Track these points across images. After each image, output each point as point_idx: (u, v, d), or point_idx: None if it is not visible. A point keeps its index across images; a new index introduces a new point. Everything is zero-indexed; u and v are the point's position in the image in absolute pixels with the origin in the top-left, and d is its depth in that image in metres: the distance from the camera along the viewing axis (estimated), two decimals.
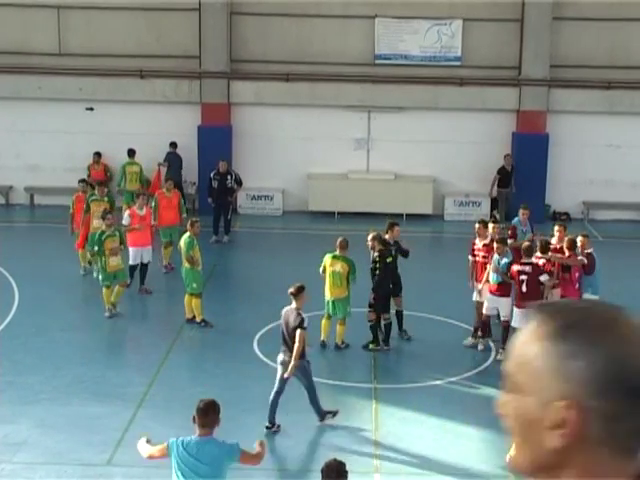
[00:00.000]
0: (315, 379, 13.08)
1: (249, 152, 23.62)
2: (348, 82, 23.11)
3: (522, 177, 21.80)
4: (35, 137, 23.64)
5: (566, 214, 23.18)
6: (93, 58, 23.18)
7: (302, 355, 11.36)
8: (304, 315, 11.53)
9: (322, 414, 11.62)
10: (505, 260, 13.81)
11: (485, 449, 11.15)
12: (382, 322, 14.18)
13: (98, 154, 22.93)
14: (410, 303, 14.64)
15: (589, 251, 14.16)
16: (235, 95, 23.38)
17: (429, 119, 23.35)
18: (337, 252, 13.93)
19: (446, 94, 23.07)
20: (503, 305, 13.97)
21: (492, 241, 14.21)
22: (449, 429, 11.65)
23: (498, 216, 20.38)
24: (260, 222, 22.70)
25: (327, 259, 13.96)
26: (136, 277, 16.67)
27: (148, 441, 8.11)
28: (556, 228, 15.00)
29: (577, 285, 13.89)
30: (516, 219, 16.14)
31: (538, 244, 14.22)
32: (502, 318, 14.02)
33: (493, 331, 14.42)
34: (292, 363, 11.17)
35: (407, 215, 22.33)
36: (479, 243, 14.37)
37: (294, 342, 11.24)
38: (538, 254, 13.88)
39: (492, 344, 14.40)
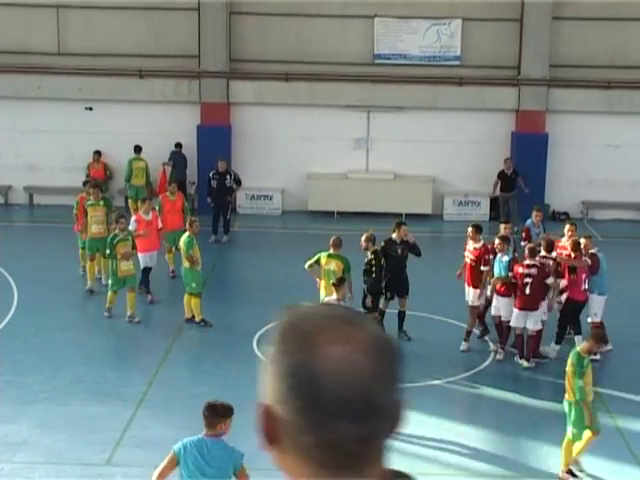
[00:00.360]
0: None
1: (248, 152, 23.62)
2: (347, 82, 23.11)
3: (522, 177, 21.75)
4: (34, 137, 23.63)
5: (565, 214, 23.16)
6: (92, 58, 23.18)
7: None
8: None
9: None
10: (506, 258, 13.82)
11: (484, 449, 11.15)
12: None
13: (98, 153, 22.97)
14: (409, 303, 14.63)
15: (593, 251, 14.14)
16: (234, 95, 23.38)
17: (428, 119, 23.35)
18: (331, 251, 13.92)
19: (445, 94, 23.07)
20: (503, 305, 13.96)
21: (484, 245, 14.23)
22: (448, 429, 11.65)
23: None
24: (259, 222, 22.69)
25: (322, 258, 13.96)
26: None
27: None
28: (567, 227, 14.97)
29: (583, 286, 13.86)
30: (529, 221, 16.10)
31: (543, 243, 14.19)
32: (502, 318, 14.01)
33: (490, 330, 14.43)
34: None
35: (406, 215, 22.28)
36: (470, 246, 14.33)
37: None
38: (543, 253, 13.87)
39: (492, 344, 14.41)
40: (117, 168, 23.37)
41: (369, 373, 1.61)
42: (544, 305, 13.74)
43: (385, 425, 1.66)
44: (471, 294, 14.20)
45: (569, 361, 10.33)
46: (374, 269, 13.97)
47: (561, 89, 22.99)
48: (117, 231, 15.32)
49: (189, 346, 14.49)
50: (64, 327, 14.94)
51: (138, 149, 22.42)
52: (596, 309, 14.00)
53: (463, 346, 14.20)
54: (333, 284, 12.03)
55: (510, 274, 13.64)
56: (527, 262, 13.59)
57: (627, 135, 23.18)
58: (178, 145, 22.97)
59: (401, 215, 22.07)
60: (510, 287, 13.72)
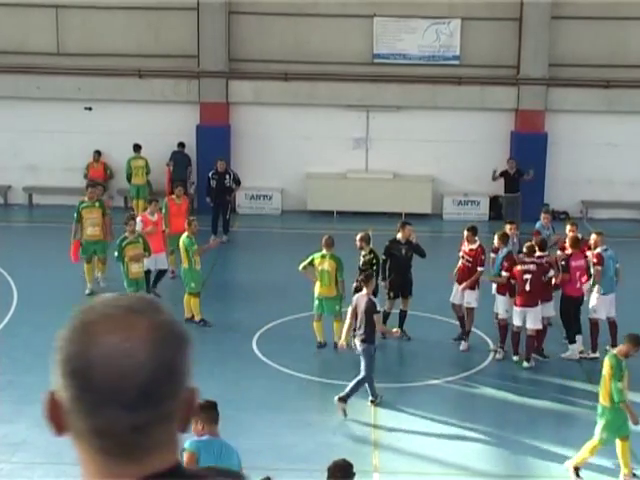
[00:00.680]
0: (314, 379, 13.10)
1: (247, 151, 23.61)
2: (347, 81, 23.10)
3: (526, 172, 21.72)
4: (33, 137, 23.62)
5: (565, 213, 23.17)
6: (91, 58, 23.17)
7: (372, 340, 11.85)
8: (375, 301, 12.14)
9: (347, 398, 11.72)
10: (500, 255, 13.90)
11: (483, 448, 11.15)
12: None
13: (98, 152, 22.99)
14: (412, 301, 14.63)
15: (599, 250, 14.17)
16: (233, 94, 23.37)
17: (428, 118, 23.34)
18: (324, 251, 13.92)
19: (445, 93, 23.07)
20: (500, 303, 14.00)
21: (479, 245, 14.23)
22: (448, 428, 11.65)
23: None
24: (259, 222, 22.69)
25: (316, 259, 13.97)
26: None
27: None
28: (568, 227, 15.03)
29: (579, 283, 13.89)
30: (539, 223, 16.08)
31: (537, 242, 14.20)
32: (499, 316, 14.05)
33: (487, 329, 14.44)
34: (381, 331, 12.29)
35: (406, 214, 22.27)
36: (466, 247, 14.32)
37: (366, 325, 11.79)
38: (538, 253, 13.90)
39: (491, 343, 14.42)
40: (117, 168, 23.38)
41: (144, 362, 1.63)
42: (549, 304, 13.84)
43: (164, 414, 1.67)
44: (467, 295, 14.17)
45: (607, 364, 10.29)
46: (374, 268, 13.99)
47: (560, 88, 22.99)
48: (126, 233, 15.08)
49: None
50: (63, 327, 14.90)
51: (137, 148, 22.49)
52: (597, 306, 14.05)
53: (463, 346, 14.21)
54: (361, 280, 12.35)
55: (504, 273, 13.68)
56: (525, 259, 13.66)
57: (626, 134, 23.17)
58: (180, 145, 22.97)
59: (401, 215, 22.10)
60: (504, 285, 13.78)
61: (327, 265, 13.80)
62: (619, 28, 22.84)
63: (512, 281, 13.66)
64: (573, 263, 13.85)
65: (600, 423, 10.28)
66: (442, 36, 22.94)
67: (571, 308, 13.90)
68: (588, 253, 14.25)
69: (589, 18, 22.75)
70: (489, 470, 10.62)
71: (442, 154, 23.44)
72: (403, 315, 14.54)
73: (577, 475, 10.46)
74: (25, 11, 23.23)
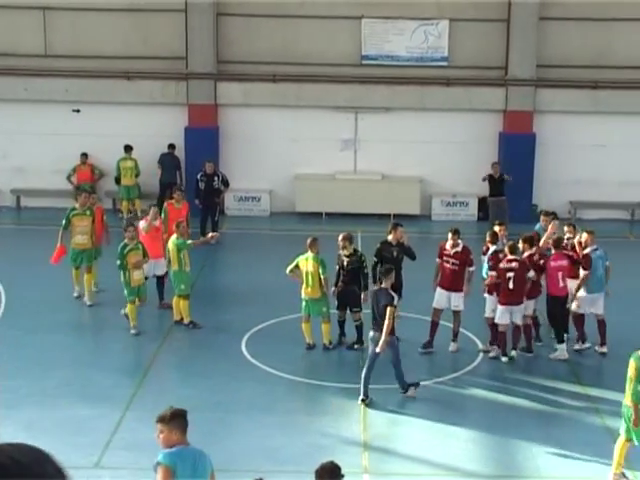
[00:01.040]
0: (303, 380, 13.10)
1: (236, 153, 23.58)
2: (335, 83, 23.11)
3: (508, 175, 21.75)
4: (21, 139, 23.54)
5: (553, 213, 23.17)
6: (79, 59, 23.10)
7: (392, 331, 12.12)
8: (393, 294, 12.43)
9: (405, 387, 12.45)
10: (489, 253, 13.99)
11: (473, 449, 11.16)
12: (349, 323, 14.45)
13: (85, 155, 22.93)
14: (399, 304, 14.62)
15: (587, 251, 14.23)
16: (222, 96, 23.34)
17: (416, 119, 23.37)
18: (308, 253, 13.96)
19: (433, 94, 23.10)
20: (488, 302, 14.07)
21: (464, 247, 14.22)
22: (438, 429, 11.66)
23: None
24: (247, 223, 22.67)
25: (301, 261, 14.02)
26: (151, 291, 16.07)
27: None
28: (566, 229, 15.11)
29: (561, 283, 13.93)
30: (538, 225, 16.10)
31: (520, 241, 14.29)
32: (486, 315, 14.11)
33: (476, 330, 14.46)
34: (383, 338, 11.95)
35: (394, 215, 22.31)
36: (450, 249, 14.21)
37: (383, 320, 12.01)
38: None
39: (480, 344, 14.45)
40: (105, 170, 23.33)
41: None
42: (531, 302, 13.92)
43: None
44: (453, 299, 14.16)
45: (632, 366, 10.24)
46: (365, 269, 14.10)
47: (548, 89, 23.06)
48: (126, 240, 14.80)
49: (177, 348, 14.45)
50: (52, 330, 14.87)
51: (128, 148, 22.57)
52: (580, 302, 14.17)
53: (452, 347, 14.22)
54: (381, 273, 12.75)
55: (489, 272, 13.75)
56: (508, 257, 13.72)
57: (614, 135, 23.25)
58: (171, 146, 22.92)
59: (389, 216, 22.13)
60: (492, 284, 13.86)
61: (311, 266, 13.85)
62: (606, 29, 22.91)
63: (497, 280, 13.74)
64: (552, 263, 13.92)
65: (624, 424, 10.23)
66: (430, 37, 22.98)
67: (557, 308, 13.97)
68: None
69: (577, 19, 22.82)
70: (479, 470, 10.63)
71: (430, 155, 23.47)
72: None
73: (624, 476, 10.40)
74: (12, 13, 23.14)
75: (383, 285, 12.46)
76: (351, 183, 23.39)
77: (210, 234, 16.74)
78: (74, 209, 16.46)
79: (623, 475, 10.45)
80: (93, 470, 10.25)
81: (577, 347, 14.20)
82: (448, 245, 14.22)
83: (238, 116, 23.46)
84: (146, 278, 15.46)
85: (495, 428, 11.76)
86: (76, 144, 23.15)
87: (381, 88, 23.15)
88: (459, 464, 10.74)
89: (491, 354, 14.07)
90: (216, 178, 20.99)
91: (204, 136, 23.00)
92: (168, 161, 22.90)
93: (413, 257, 14.41)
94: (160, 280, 15.94)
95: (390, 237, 14.43)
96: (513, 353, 13.83)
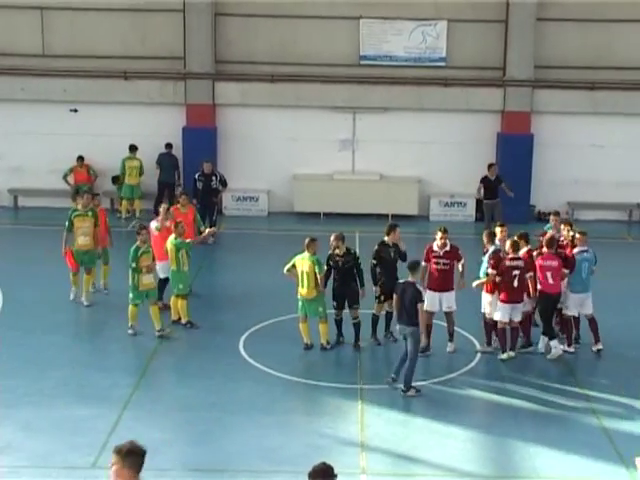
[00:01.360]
0: (301, 380, 13.09)
1: (234, 153, 23.59)
2: (333, 83, 23.11)
3: (507, 178, 21.70)
4: (19, 139, 23.54)
5: (550, 214, 23.19)
6: (77, 59, 23.10)
7: (417, 323, 12.46)
8: (421, 289, 12.71)
9: (408, 386, 12.48)
10: (487, 254, 14.00)
11: (471, 449, 11.16)
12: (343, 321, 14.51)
13: (81, 158, 22.91)
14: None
15: (574, 251, 14.30)
16: (220, 96, 23.34)
17: (414, 120, 23.39)
18: (305, 253, 13.96)
19: (431, 95, 23.11)
20: (486, 302, 14.09)
21: (452, 246, 14.20)
22: (435, 429, 11.66)
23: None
24: (245, 223, 22.68)
25: (297, 261, 14.02)
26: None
27: None
28: (562, 226, 15.17)
29: (550, 280, 13.96)
30: (548, 225, 16.14)
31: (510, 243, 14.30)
32: (487, 315, 14.15)
33: (473, 331, 14.47)
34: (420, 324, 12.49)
35: (392, 216, 22.34)
36: (440, 250, 14.18)
37: (409, 313, 12.43)
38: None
39: (477, 344, 14.45)
40: (102, 170, 23.33)
41: None
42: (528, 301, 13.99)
43: None
44: (445, 300, 14.12)
45: None
46: (360, 266, 14.17)
47: (546, 90, 23.07)
48: (138, 243, 14.61)
49: (175, 348, 14.44)
50: (49, 330, 14.86)
51: (133, 148, 22.65)
52: (568, 303, 14.27)
53: (449, 347, 14.22)
54: (408, 267, 12.88)
55: (490, 270, 13.75)
56: (511, 255, 13.79)
57: (611, 135, 23.28)
58: (168, 146, 22.95)
59: (387, 216, 22.15)
60: (492, 283, 13.90)
61: (307, 266, 13.85)
62: (604, 30, 22.93)
63: (497, 278, 13.74)
64: (541, 262, 13.97)
65: None
66: (428, 38, 22.99)
67: (549, 305, 14.05)
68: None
69: (574, 20, 22.84)
70: (476, 471, 10.63)
71: (428, 155, 23.49)
72: (389, 317, 14.56)
73: None
74: (10, 12, 23.14)
75: (410, 279, 12.70)
76: (349, 183, 23.39)
77: (207, 230, 16.70)
78: (75, 210, 16.26)
79: None
80: (90, 470, 10.24)
81: (564, 348, 14.24)
82: (436, 246, 14.20)
83: (236, 116, 23.46)
84: (166, 279, 15.42)
85: (492, 428, 11.76)
86: (74, 144, 23.15)
87: (379, 88, 23.16)
88: (457, 464, 10.74)
89: (489, 349, 14.13)
90: (214, 178, 21.00)
91: (202, 136, 23.00)
92: (166, 161, 22.92)
93: (405, 260, 14.41)
94: (166, 281, 15.80)
95: (387, 238, 14.43)
96: (512, 354, 13.85)
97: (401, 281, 12.98)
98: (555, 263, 13.98)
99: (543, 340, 14.21)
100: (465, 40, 23.06)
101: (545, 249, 14.12)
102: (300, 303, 14.06)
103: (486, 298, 14.14)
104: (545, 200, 23.34)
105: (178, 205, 17.31)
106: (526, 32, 22.66)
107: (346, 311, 14.41)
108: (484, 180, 21.56)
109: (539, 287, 14.01)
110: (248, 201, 23.58)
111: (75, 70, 23.01)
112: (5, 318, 15.41)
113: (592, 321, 14.31)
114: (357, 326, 14.29)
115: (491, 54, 23.13)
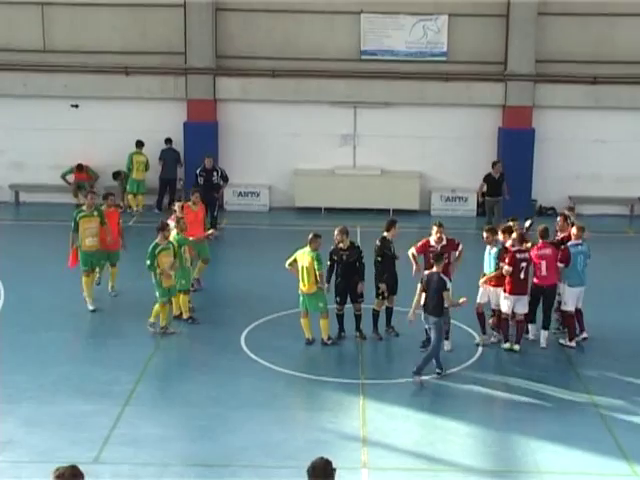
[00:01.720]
0: (303, 375, 13.09)
1: (235, 148, 23.59)
2: (334, 78, 23.10)
3: (508, 172, 21.66)
4: (20, 134, 23.53)
5: (552, 209, 23.23)
6: (78, 55, 23.10)
7: (441, 313, 12.82)
8: (445, 278, 12.90)
9: (420, 372, 12.69)
10: (495, 249, 14.04)
11: (473, 444, 11.16)
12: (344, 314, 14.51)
13: (80, 166, 22.93)
14: (396, 298, 14.63)
15: (568, 244, 14.34)
16: (221, 91, 23.33)
17: (415, 114, 23.38)
18: (307, 248, 13.95)
19: (432, 89, 23.10)
20: (494, 295, 14.17)
21: (447, 239, 14.20)
22: (436, 424, 11.66)
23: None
24: (247, 218, 22.69)
25: (298, 256, 14.01)
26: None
27: None
28: (558, 218, 15.24)
29: (540, 272, 14.00)
30: (559, 219, 16.14)
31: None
32: (493, 306, 14.26)
33: (473, 325, 14.47)
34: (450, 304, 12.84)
35: (394, 210, 22.35)
36: (437, 244, 14.10)
37: (434, 303, 12.73)
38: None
39: (477, 336, 14.46)
40: (102, 167, 23.35)
41: None
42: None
43: None
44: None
45: None
46: (362, 260, 14.21)
47: (547, 84, 23.04)
48: (157, 240, 14.39)
49: (177, 343, 14.45)
50: (50, 325, 14.87)
51: (140, 144, 22.65)
52: (566, 298, 14.29)
53: (446, 346, 14.12)
54: (432, 258, 13.12)
55: (506, 267, 13.79)
56: (518, 248, 13.94)
57: (613, 130, 23.26)
58: (168, 141, 22.96)
59: (389, 211, 22.15)
60: (500, 278, 13.98)
61: (307, 262, 13.83)
62: (606, 24, 22.90)
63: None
64: (536, 252, 14.04)
65: None
66: (429, 32, 22.98)
67: (537, 297, 14.22)
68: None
69: (576, 14, 22.82)
70: (477, 466, 10.64)
71: (430, 150, 23.49)
72: (390, 312, 14.57)
73: None
74: (11, 8, 23.14)
75: (435, 269, 12.90)
76: (350, 178, 23.39)
77: (209, 231, 16.72)
78: (81, 211, 15.84)
79: None
80: (92, 466, 10.24)
81: (562, 342, 14.28)
82: (433, 241, 14.19)
83: (237, 111, 23.46)
84: None
85: (494, 423, 11.77)
86: (75, 139, 23.17)
87: (380, 83, 23.14)
88: (458, 459, 10.74)
89: (492, 339, 14.22)
90: (215, 173, 21.00)
91: (203, 131, 23.00)
92: (169, 156, 22.94)
93: (396, 257, 14.48)
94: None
95: (387, 234, 14.42)
96: (516, 347, 13.91)
97: (426, 272, 13.18)
98: (549, 251, 14.08)
99: (532, 329, 14.32)
100: (466, 35, 23.04)
101: (540, 240, 14.19)
102: (301, 298, 14.07)
103: (491, 291, 14.17)
104: (547, 195, 23.34)
105: (189, 203, 16.93)
106: (527, 26, 22.63)
107: (348, 305, 14.42)
108: (487, 178, 21.44)
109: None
110: (249, 196, 23.58)
111: (76, 65, 23.00)
112: (6, 314, 15.42)
113: (578, 311, 14.41)
114: (358, 318, 14.33)
115: (492, 48, 23.10)
